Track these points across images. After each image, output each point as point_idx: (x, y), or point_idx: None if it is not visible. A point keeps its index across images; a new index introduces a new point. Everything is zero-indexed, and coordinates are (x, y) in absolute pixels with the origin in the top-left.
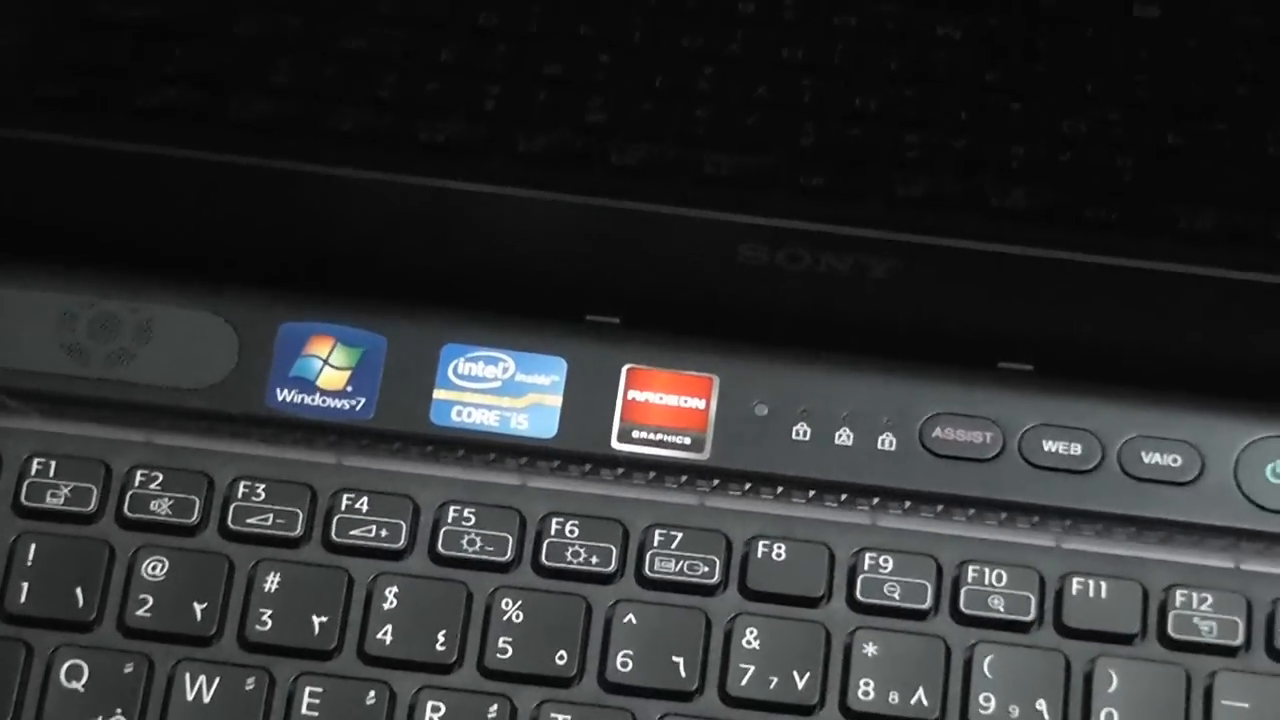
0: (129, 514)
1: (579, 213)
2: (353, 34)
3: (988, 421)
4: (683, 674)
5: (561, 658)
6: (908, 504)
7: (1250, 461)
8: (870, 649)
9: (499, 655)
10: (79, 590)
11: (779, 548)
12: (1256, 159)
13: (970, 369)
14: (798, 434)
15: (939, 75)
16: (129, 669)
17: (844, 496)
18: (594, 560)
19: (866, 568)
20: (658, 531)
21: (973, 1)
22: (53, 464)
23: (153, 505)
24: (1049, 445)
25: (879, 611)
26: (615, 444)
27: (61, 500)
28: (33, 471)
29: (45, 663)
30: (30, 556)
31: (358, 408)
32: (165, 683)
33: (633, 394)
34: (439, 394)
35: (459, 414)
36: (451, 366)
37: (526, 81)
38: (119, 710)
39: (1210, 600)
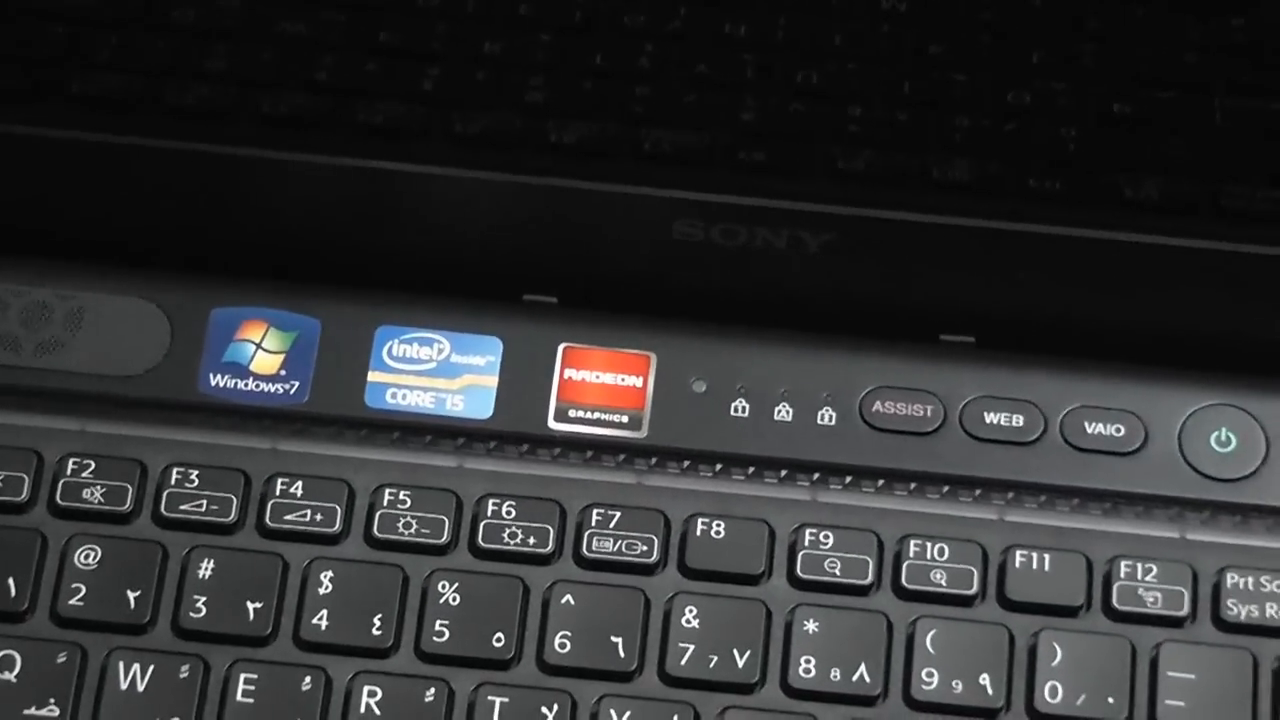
0: (61, 502)
1: (516, 192)
2: (289, 16)
3: (928, 394)
4: (621, 654)
5: (499, 640)
6: (848, 479)
7: (1194, 430)
8: (811, 626)
9: (436, 639)
10: (10, 580)
11: (718, 525)
12: (1202, 128)
13: (910, 342)
14: (736, 410)
15: (882, 47)
16: (62, 658)
17: (783, 473)
18: (531, 541)
19: (807, 544)
20: (595, 511)
21: None
22: None
23: (85, 493)
24: (990, 417)
25: (820, 588)
26: (552, 424)
27: None
28: None
29: None
30: None
31: (291, 392)
32: (99, 672)
33: (569, 373)
34: (373, 376)
35: (394, 396)
36: (386, 349)
37: (465, 61)
38: (52, 700)
39: (1155, 571)
